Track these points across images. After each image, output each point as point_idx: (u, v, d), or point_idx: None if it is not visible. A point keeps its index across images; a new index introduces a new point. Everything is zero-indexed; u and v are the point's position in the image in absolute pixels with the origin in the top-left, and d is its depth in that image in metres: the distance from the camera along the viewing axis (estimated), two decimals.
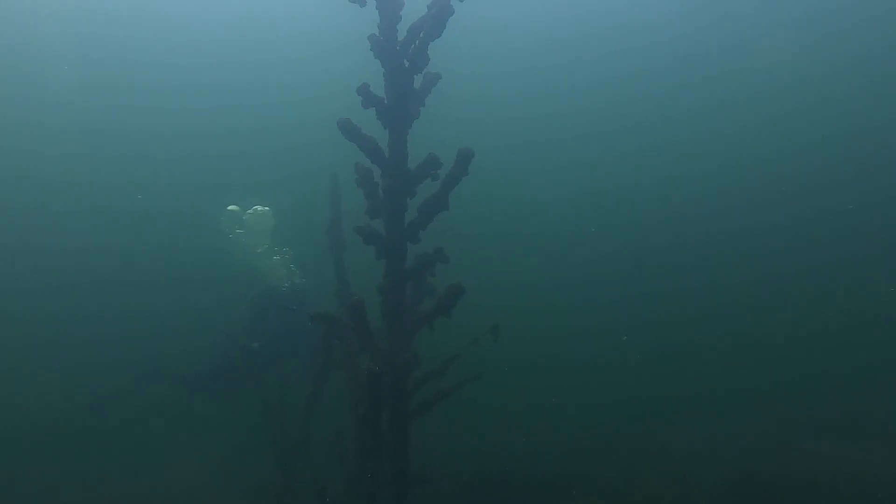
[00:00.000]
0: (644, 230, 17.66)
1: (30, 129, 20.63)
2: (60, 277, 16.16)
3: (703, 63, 22.12)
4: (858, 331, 11.65)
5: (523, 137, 21.42)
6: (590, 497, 6.26)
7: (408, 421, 5.16)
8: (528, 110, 22.49)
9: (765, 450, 7.33)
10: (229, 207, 10.86)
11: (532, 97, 22.95)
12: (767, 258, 15.64)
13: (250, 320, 8.82)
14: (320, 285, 8.53)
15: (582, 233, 17.64)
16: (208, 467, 8.00)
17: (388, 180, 5.12)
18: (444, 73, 5.59)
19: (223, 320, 9.25)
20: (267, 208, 10.76)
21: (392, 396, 5.07)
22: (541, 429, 8.19)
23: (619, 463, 7.07)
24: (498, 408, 7.81)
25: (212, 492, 7.35)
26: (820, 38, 20.34)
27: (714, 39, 22.20)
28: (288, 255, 9.82)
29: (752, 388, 9.62)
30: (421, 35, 5.14)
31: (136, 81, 21.98)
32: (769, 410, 8.83)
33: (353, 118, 5.26)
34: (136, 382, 9.81)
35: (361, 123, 5.32)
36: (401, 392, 5.10)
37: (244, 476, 7.54)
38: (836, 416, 8.50)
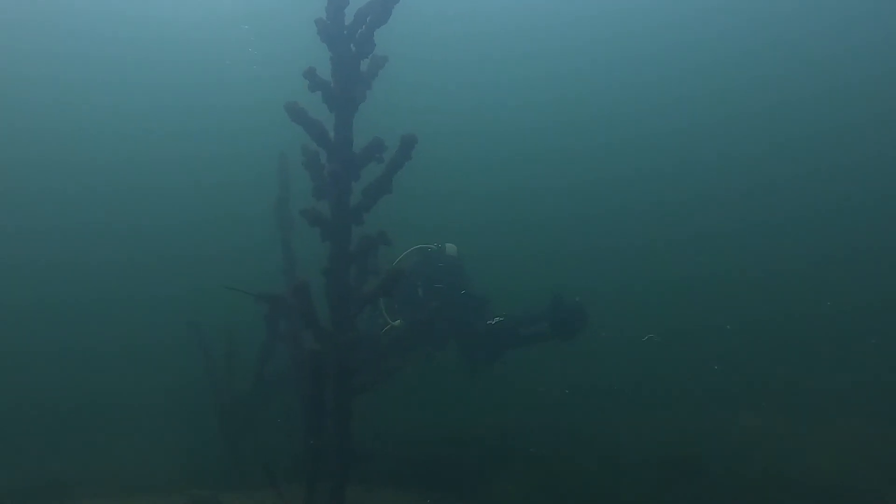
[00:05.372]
0: (569, 222, 18.05)
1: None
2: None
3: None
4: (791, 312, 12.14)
5: (470, 124, 21.67)
6: (522, 473, 6.51)
7: (350, 399, 5.29)
8: (476, 97, 22.73)
9: (691, 428, 7.66)
10: None
11: (482, 85, 23.16)
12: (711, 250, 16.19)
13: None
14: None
15: (517, 221, 17.91)
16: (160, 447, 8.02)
17: (334, 164, 5.20)
18: (394, 57, 5.70)
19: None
20: None
21: (335, 375, 5.19)
22: (483, 410, 8.40)
23: (556, 444, 7.33)
24: (443, 386, 7.98)
25: (156, 469, 7.40)
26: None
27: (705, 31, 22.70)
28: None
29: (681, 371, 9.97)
30: (368, 20, 5.21)
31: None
32: (695, 391, 9.18)
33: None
34: None
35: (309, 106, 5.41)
36: (344, 371, 5.22)
37: (191, 453, 7.60)
38: (764, 392, 8.90)
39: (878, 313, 11.40)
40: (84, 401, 9.74)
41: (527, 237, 18.17)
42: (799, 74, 21.28)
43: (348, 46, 5.24)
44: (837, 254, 15.21)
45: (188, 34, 21.85)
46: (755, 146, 20.11)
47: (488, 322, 6.96)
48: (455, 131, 21.11)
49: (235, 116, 21.09)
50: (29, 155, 20.14)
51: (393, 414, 7.68)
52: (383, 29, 5.29)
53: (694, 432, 7.44)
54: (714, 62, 22.50)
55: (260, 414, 7.02)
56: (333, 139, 5.26)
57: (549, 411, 8.64)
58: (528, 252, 17.08)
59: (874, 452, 6.67)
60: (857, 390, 8.55)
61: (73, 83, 21.77)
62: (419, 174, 5.73)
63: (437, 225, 15.55)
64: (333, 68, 5.27)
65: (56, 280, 15.57)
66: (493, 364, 7.06)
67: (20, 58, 21.26)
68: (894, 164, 17.73)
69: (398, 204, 5.49)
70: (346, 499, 5.31)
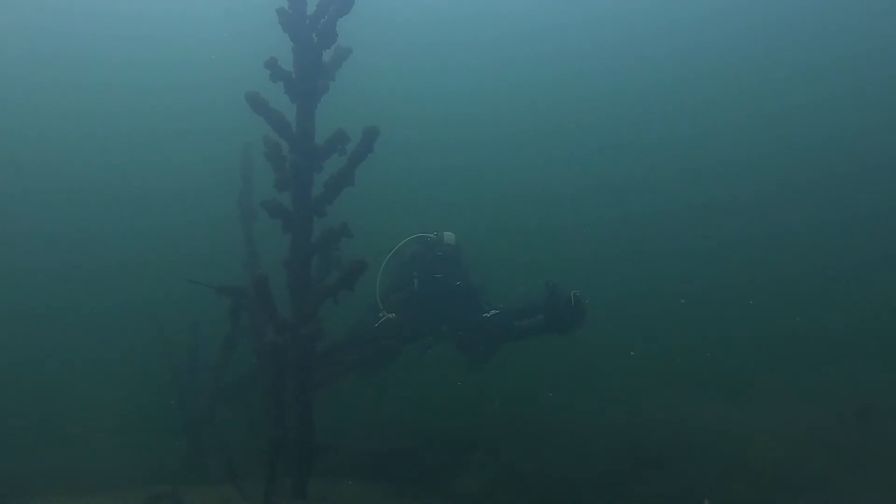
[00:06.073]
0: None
1: None
2: None
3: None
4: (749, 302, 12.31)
5: (433, 117, 21.66)
6: (488, 465, 6.53)
7: (311, 392, 5.26)
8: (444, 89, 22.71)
9: (652, 422, 7.73)
10: None
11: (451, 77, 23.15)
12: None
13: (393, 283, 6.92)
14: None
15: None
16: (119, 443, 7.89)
17: (295, 155, 5.16)
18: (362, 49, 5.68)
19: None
20: None
21: (296, 367, 5.16)
22: (447, 402, 8.38)
23: (521, 435, 7.35)
24: (406, 380, 7.97)
25: (115, 465, 7.28)
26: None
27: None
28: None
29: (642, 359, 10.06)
30: (330, 10, 5.17)
31: None
32: (659, 379, 9.29)
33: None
34: None
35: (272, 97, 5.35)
36: (305, 363, 5.19)
37: (151, 448, 7.48)
38: (725, 381, 9.04)
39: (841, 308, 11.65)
40: (42, 397, 9.56)
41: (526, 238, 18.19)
42: (808, 76, 21.37)
43: (310, 36, 5.20)
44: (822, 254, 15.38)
45: (152, 31, 21.54)
46: (752, 150, 20.17)
47: (485, 314, 6.89)
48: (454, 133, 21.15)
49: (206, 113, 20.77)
50: None
51: (358, 406, 7.67)
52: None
53: (655, 425, 7.51)
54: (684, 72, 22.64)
55: (221, 409, 6.94)
56: (295, 130, 5.22)
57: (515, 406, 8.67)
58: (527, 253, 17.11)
59: (831, 441, 6.79)
60: (813, 379, 8.75)
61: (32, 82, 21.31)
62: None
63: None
64: (295, 58, 5.23)
65: (14, 279, 15.16)
66: (490, 356, 6.99)
67: None
68: None
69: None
70: (309, 492, 5.28)
